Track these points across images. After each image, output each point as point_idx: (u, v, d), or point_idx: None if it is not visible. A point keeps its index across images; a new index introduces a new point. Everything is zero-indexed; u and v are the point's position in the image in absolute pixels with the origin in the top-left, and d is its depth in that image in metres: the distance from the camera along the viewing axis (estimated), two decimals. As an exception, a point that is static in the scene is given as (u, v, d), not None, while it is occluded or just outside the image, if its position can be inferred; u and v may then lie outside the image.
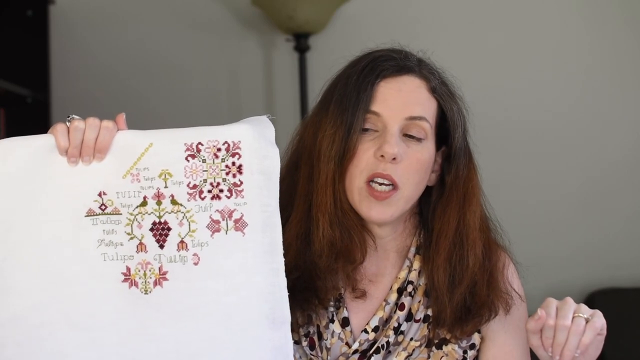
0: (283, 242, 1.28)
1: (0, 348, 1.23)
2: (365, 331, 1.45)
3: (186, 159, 1.26)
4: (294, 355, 1.28)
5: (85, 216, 1.25)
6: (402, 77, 1.43)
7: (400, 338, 1.45)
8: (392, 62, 1.44)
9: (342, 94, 1.43)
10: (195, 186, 1.26)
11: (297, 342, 1.44)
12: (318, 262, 1.42)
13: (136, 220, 1.26)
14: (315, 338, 1.45)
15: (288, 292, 1.27)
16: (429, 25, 3.35)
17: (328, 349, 1.44)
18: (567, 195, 3.34)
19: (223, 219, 1.26)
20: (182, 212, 1.26)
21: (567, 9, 3.37)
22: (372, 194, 1.40)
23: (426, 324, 1.46)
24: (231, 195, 1.26)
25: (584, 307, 1.32)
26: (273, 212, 1.27)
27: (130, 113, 1.31)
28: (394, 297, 1.47)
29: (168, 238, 1.25)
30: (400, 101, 1.42)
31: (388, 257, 1.50)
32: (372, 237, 1.46)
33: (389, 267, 1.49)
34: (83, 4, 3.49)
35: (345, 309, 1.46)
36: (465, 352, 1.46)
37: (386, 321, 1.46)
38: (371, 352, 1.43)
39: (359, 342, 1.44)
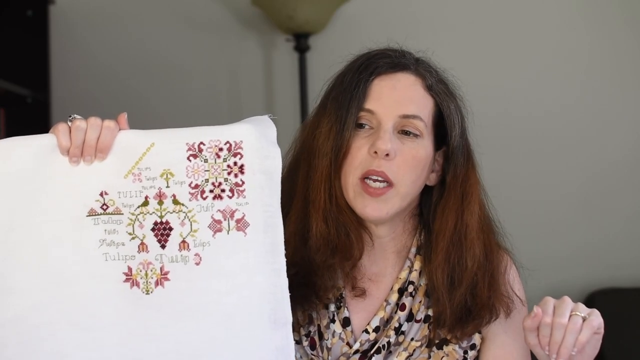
0: None
1: (1, 348, 1.23)
2: (366, 331, 1.45)
3: (188, 158, 1.26)
4: (295, 355, 1.27)
5: (87, 216, 1.25)
6: (397, 74, 1.43)
7: (401, 338, 1.45)
8: (387, 60, 1.44)
9: (338, 91, 1.44)
10: (197, 186, 1.26)
11: (297, 342, 1.44)
12: (315, 258, 1.42)
13: (138, 220, 1.25)
14: (316, 338, 1.45)
15: None
16: (429, 25, 3.34)
17: (329, 349, 1.44)
18: (567, 195, 3.33)
19: (225, 219, 1.26)
20: (184, 212, 1.26)
21: (567, 9, 3.37)
22: (366, 190, 1.40)
23: (427, 324, 1.46)
24: (233, 195, 1.26)
25: (581, 305, 1.31)
26: (275, 212, 1.27)
27: (130, 113, 1.30)
28: (394, 297, 1.47)
29: (170, 238, 1.25)
30: (394, 98, 1.41)
31: (388, 257, 1.49)
32: (369, 234, 1.46)
33: (389, 267, 1.49)
34: (83, 4, 3.48)
35: (346, 309, 1.45)
36: (465, 352, 1.46)
37: (387, 321, 1.46)
38: (372, 352, 1.43)
39: (360, 342, 1.44)
